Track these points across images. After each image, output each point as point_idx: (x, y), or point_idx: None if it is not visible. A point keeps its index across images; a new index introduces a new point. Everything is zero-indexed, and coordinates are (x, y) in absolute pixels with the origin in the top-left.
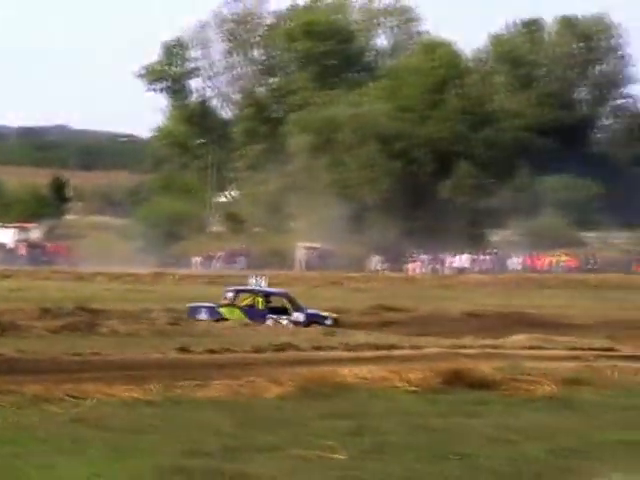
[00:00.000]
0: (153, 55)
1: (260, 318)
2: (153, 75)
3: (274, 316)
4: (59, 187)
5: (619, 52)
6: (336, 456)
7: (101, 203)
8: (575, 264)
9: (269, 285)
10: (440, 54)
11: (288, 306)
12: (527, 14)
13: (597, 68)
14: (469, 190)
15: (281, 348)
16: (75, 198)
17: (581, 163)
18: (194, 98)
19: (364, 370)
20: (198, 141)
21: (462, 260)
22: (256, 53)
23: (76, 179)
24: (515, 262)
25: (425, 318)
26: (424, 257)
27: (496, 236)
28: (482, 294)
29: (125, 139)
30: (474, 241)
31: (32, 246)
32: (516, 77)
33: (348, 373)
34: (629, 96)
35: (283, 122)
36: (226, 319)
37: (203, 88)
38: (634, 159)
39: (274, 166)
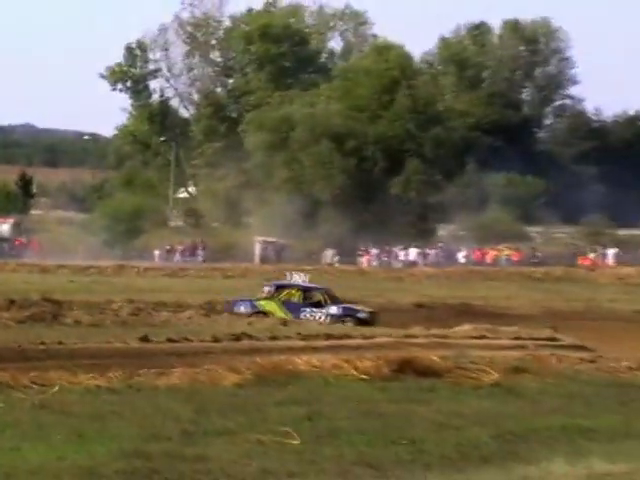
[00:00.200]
0: (116, 56)
1: (297, 311)
2: (116, 76)
3: (309, 309)
4: (25, 184)
5: (561, 55)
6: (291, 441)
7: (65, 199)
8: (519, 258)
9: (310, 281)
10: (391, 56)
11: (324, 300)
12: (474, 18)
13: (541, 70)
14: (418, 186)
15: (238, 338)
16: (40, 194)
17: (525, 161)
18: (155, 98)
19: (318, 359)
20: (159, 139)
21: (411, 254)
22: (214, 55)
23: (41, 176)
24: (461, 256)
25: (376, 309)
26: (375, 251)
27: (444, 231)
28: (430, 286)
29: (89, 137)
30: (423, 235)
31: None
32: (464, 78)
33: (302, 362)
34: (571, 97)
35: (240, 121)
36: (264, 312)
37: (164, 88)
38: (576, 157)
39: (232, 163)
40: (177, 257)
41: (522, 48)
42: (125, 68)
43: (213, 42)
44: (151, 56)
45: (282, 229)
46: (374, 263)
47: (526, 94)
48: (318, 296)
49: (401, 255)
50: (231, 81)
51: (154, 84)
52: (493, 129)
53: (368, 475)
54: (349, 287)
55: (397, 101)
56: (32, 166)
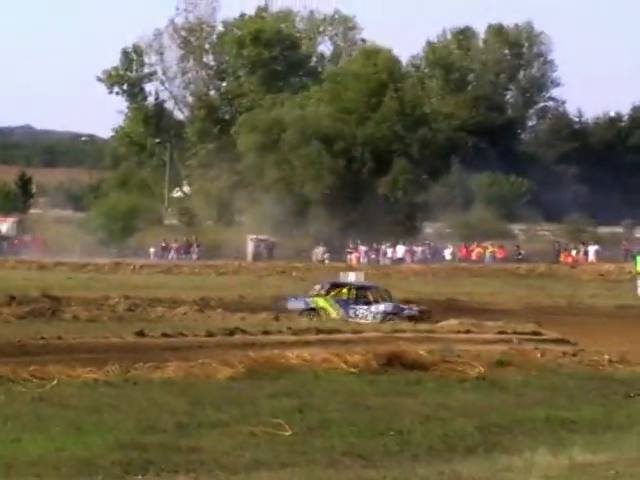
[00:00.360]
0: (113, 60)
1: (347, 308)
2: (112, 79)
3: (358, 307)
4: (24, 183)
5: (544, 58)
6: (282, 432)
7: (63, 198)
8: (503, 255)
9: (366, 279)
10: (379, 60)
11: (373, 298)
12: (460, 23)
13: (524, 73)
14: (405, 186)
15: (232, 332)
16: (39, 194)
17: (509, 161)
18: (150, 101)
19: (309, 353)
20: (154, 141)
21: (398, 251)
22: (208, 59)
23: (40, 176)
24: (447, 253)
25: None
26: (363, 248)
27: (430, 229)
28: (417, 283)
29: (86, 139)
30: (410, 233)
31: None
32: (449, 81)
33: (294, 356)
34: (553, 99)
35: (233, 123)
36: (316, 309)
37: (159, 91)
38: (558, 157)
39: (224, 164)
40: (172, 255)
41: (506, 52)
42: (121, 72)
43: (207, 46)
44: (146, 60)
45: (273, 227)
46: (363, 260)
47: (510, 96)
48: (369, 294)
49: (389, 252)
50: (224, 84)
51: (149, 87)
52: (478, 130)
53: (357, 465)
54: None
55: (385, 103)
56: (31, 166)
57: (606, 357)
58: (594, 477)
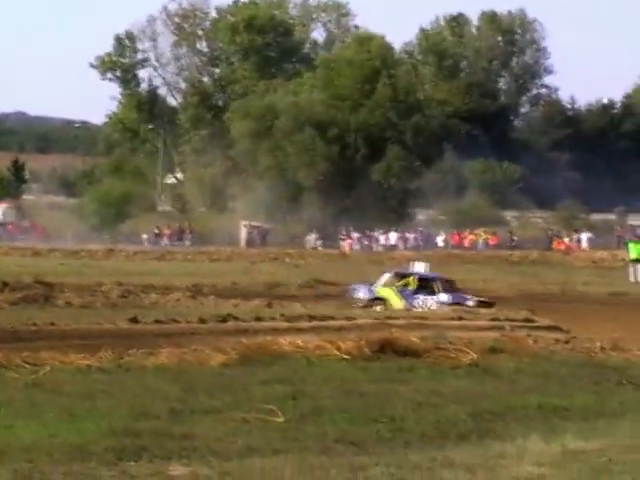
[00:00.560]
0: (106, 46)
1: (410, 298)
2: (105, 65)
3: (422, 297)
4: (17, 169)
5: (537, 45)
6: (275, 419)
7: (56, 184)
8: (496, 242)
9: (431, 270)
10: (372, 47)
11: (436, 288)
12: (453, 10)
13: (517, 60)
14: (399, 173)
15: (224, 319)
16: (32, 180)
17: (502, 148)
18: (144, 87)
19: (301, 339)
20: (147, 127)
21: (391, 238)
22: (201, 45)
23: (33, 162)
24: (440, 240)
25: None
26: (357, 235)
27: (423, 215)
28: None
29: (79, 125)
30: (403, 220)
31: None
32: (442, 68)
33: (286, 342)
34: (546, 86)
35: (226, 109)
36: (380, 298)
37: (152, 78)
38: (551, 144)
39: (217, 150)
40: (165, 241)
41: (499, 39)
42: (115, 58)
43: (200, 33)
44: (140, 46)
45: (266, 214)
46: (356, 247)
47: (503, 83)
48: (432, 285)
49: (382, 239)
50: (217, 71)
51: (143, 73)
52: (471, 117)
53: (350, 452)
54: (331, 270)
55: (378, 90)
56: (24, 153)
57: (599, 344)
58: (587, 464)
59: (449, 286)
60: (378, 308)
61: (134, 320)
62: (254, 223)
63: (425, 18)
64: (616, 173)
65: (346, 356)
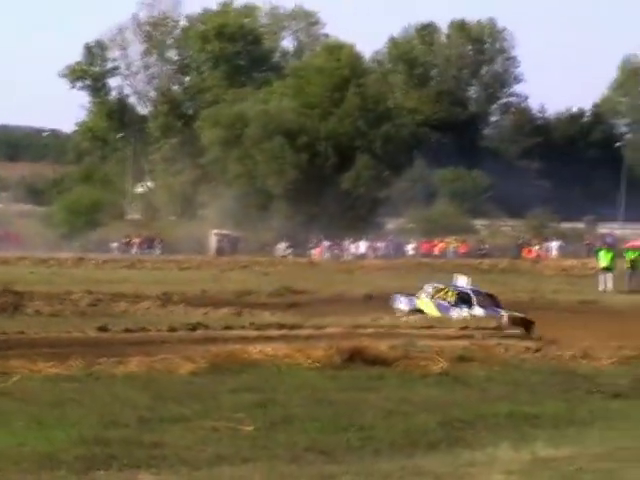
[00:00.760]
0: (76, 55)
1: (446, 310)
2: (75, 74)
3: (457, 309)
4: None
5: (507, 54)
6: (244, 427)
7: (26, 193)
8: (466, 250)
9: (472, 284)
10: (342, 55)
11: (473, 302)
12: (423, 18)
13: (487, 69)
14: (368, 181)
15: (194, 327)
16: (1, 188)
17: (472, 156)
18: (113, 95)
19: (271, 348)
20: (117, 135)
21: (361, 246)
22: (171, 54)
23: (2, 170)
24: (410, 248)
25: (327, 300)
26: (326, 243)
27: (393, 224)
28: (380, 278)
29: (49, 133)
30: (372, 229)
31: None
32: (412, 77)
33: (256, 350)
34: (516, 95)
35: (196, 118)
36: (420, 309)
37: (122, 86)
38: (521, 153)
39: (187, 158)
40: (134, 249)
41: (469, 47)
42: (84, 67)
43: (170, 41)
44: (109, 55)
45: (236, 222)
46: (325, 255)
47: (472, 92)
48: (469, 298)
49: (351, 248)
50: (187, 79)
51: (112, 82)
52: (441, 126)
53: (320, 461)
54: (301, 278)
55: (348, 99)
56: None
57: (569, 352)
58: (556, 472)
59: (487, 300)
60: (412, 318)
61: (103, 329)
62: (224, 231)
63: (395, 27)
64: (585, 182)
65: (316, 365)
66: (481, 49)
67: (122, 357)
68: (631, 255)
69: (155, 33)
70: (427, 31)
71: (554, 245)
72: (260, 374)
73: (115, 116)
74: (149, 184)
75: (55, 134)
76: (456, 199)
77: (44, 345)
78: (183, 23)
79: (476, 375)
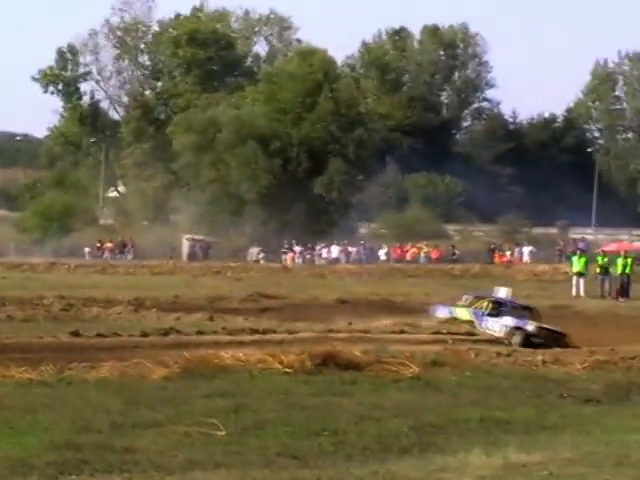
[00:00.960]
0: (48, 59)
1: (481, 320)
2: (48, 79)
3: (490, 320)
4: None
5: (479, 59)
6: (217, 433)
7: None
8: (438, 255)
9: (512, 295)
10: (314, 60)
11: (508, 313)
12: (395, 24)
13: (459, 74)
14: (341, 186)
15: (166, 333)
16: None
17: (444, 162)
18: (86, 100)
19: (243, 353)
20: (89, 140)
21: (333, 251)
22: (143, 59)
23: None
24: (382, 253)
25: (300, 305)
26: (299, 248)
27: (365, 229)
28: (352, 283)
29: (21, 138)
30: (345, 233)
31: None
32: (385, 82)
33: (228, 356)
34: (488, 100)
35: (168, 123)
36: (456, 318)
37: (94, 91)
38: (493, 158)
39: (160, 163)
40: (106, 254)
41: (441, 53)
42: (57, 71)
43: (142, 46)
44: (82, 59)
45: (209, 227)
46: (298, 260)
47: (445, 97)
48: (505, 309)
49: (324, 253)
50: (159, 84)
51: (85, 87)
52: (413, 131)
53: (292, 466)
54: (274, 283)
55: (320, 104)
56: None
57: (540, 357)
58: (528, 477)
59: (522, 312)
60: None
61: (76, 334)
62: (196, 236)
63: (367, 32)
64: (558, 187)
65: (288, 369)
66: (453, 54)
67: (94, 362)
68: (602, 260)
69: (127, 38)
70: (399, 36)
71: (526, 250)
72: (233, 379)
73: (87, 121)
74: (121, 189)
75: (28, 139)
76: (428, 204)
77: (16, 350)
78: (155, 28)
79: (448, 380)
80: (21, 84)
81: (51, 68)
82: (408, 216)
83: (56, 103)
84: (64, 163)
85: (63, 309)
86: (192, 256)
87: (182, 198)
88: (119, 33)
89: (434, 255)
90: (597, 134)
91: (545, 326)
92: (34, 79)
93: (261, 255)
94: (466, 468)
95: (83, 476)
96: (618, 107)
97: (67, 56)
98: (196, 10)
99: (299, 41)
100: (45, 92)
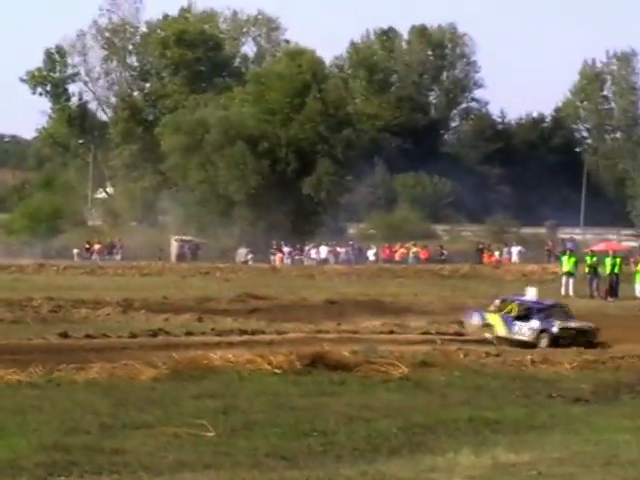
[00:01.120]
0: (36, 60)
1: (510, 324)
2: (36, 80)
3: (518, 323)
4: None
5: (467, 59)
6: (206, 434)
7: None
8: (427, 255)
9: (539, 296)
10: (302, 61)
11: (531, 314)
12: (383, 24)
13: (447, 74)
14: (329, 186)
15: (155, 334)
16: None
17: (433, 162)
18: (74, 101)
19: (233, 354)
20: (78, 141)
21: (322, 252)
22: (131, 60)
23: None
24: (371, 254)
25: (288, 305)
26: (287, 249)
27: (354, 229)
28: (341, 283)
29: (9, 139)
30: (334, 234)
31: None
32: (373, 82)
33: (217, 357)
34: (476, 100)
35: (156, 124)
36: (488, 323)
37: (82, 92)
38: (481, 158)
39: (148, 164)
40: (95, 256)
41: (429, 53)
42: (45, 72)
43: (130, 47)
44: (70, 61)
45: (197, 228)
46: (287, 261)
47: (433, 97)
48: (532, 311)
49: (312, 253)
50: (148, 85)
51: (73, 88)
52: (401, 131)
53: (281, 466)
54: (262, 284)
55: (308, 104)
56: None
57: (529, 357)
58: (517, 477)
59: (552, 312)
60: (486, 335)
61: (64, 335)
62: (185, 237)
63: (355, 32)
64: (546, 187)
65: (277, 370)
66: (442, 54)
67: (83, 364)
68: (591, 260)
69: (115, 39)
70: (388, 36)
71: (514, 250)
72: (221, 380)
73: (76, 122)
74: (110, 190)
75: (16, 140)
76: (417, 204)
77: (5, 352)
78: (143, 29)
79: (437, 380)
80: (9, 85)
81: (39, 69)
82: (396, 216)
83: (44, 104)
84: (52, 164)
85: (52, 310)
86: (181, 257)
87: (170, 199)
88: (107, 34)
89: (423, 255)
90: (585, 134)
91: (571, 325)
92: (22, 80)
93: (250, 256)
94: (455, 468)
95: (72, 477)
96: (606, 107)
97: (55, 57)
98: (184, 11)
99: (287, 42)
100: (33, 93)
